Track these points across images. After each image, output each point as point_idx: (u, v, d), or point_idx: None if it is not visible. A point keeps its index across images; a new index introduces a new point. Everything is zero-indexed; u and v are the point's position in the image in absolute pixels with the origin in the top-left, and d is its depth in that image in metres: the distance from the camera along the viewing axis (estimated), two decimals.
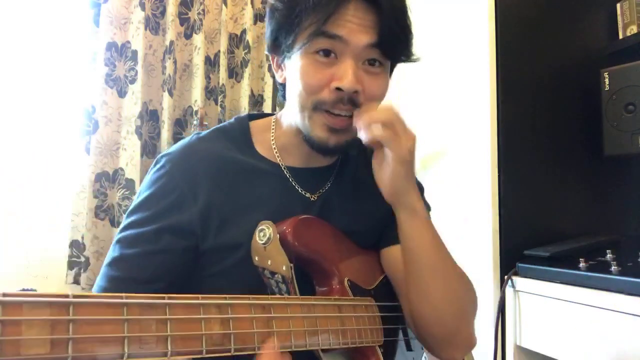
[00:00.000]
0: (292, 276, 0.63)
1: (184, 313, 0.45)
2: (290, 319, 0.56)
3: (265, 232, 0.64)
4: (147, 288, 0.64)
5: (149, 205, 0.69)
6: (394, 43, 0.68)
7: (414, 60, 0.74)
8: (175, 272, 0.67)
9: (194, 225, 0.68)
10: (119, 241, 0.68)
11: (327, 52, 0.66)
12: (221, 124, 0.80)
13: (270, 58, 0.77)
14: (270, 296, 0.57)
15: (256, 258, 0.66)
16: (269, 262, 0.65)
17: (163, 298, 0.44)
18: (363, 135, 0.65)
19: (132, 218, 0.69)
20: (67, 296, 0.39)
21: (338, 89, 0.65)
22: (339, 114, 0.67)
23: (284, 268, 0.63)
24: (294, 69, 0.68)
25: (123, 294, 0.42)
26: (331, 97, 0.66)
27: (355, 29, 0.64)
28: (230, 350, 0.48)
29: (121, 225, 0.70)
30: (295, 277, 0.63)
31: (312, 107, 0.67)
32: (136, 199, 0.71)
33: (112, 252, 0.68)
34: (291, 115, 0.73)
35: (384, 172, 0.67)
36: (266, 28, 0.74)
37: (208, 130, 0.79)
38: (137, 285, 0.64)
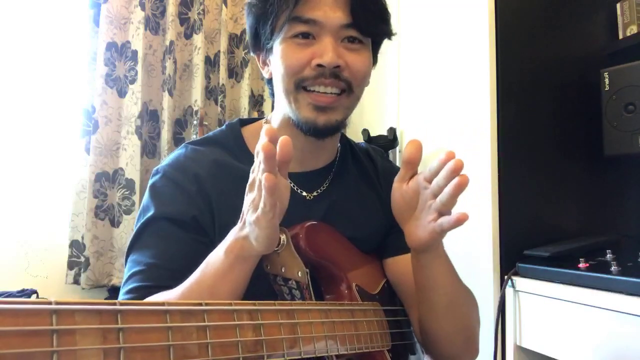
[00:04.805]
0: (307, 282, 0.62)
1: (220, 319, 0.45)
2: (312, 324, 0.56)
3: (279, 238, 0.64)
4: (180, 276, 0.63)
5: (157, 205, 0.68)
6: (368, 20, 0.67)
7: (392, 35, 0.74)
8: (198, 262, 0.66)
9: (205, 221, 0.68)
10: (131, 247, 0.68)
11: (305, 35, 0.66)
12: (211, 133, 0.79)
13: (256, 57, 0.77)
14: (292, 302, 0.57)
15: (268, 266, 0.66)
16: (283, 269, 0.64)
17: (200, 304, 0.44)
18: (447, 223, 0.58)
19: (141, 221, 0.69)
20: (114, 304, 0.38)
21: (319, 65, 0.65)
22: (324, 92, 0.67)
23: (299, 274, 0.63)
24: (276, 57, 0.68)
25: (164, 301, 0.42)
26: (312, 73, 0.66)
27: (328, 10, 0.65)
28: (264, 357, 0.48)
29: (132, 235, 0.70)
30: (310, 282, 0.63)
31: (295, 87, 0.67)
32: (141, 210, 0.71)
33: (128, 267, 0.67)
34: (280, 106, 0.73)
35: (425, 231, 0.61)
36: (246, 26, 0.74)
37: (198, 139, 0.78)
38: (168, 273, 0.63)
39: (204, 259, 0.63)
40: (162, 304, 0.41)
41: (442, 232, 0.58)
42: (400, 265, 0.78)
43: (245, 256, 0.58)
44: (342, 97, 0.68)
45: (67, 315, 0.35)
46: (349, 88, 0.68)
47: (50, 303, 0.34)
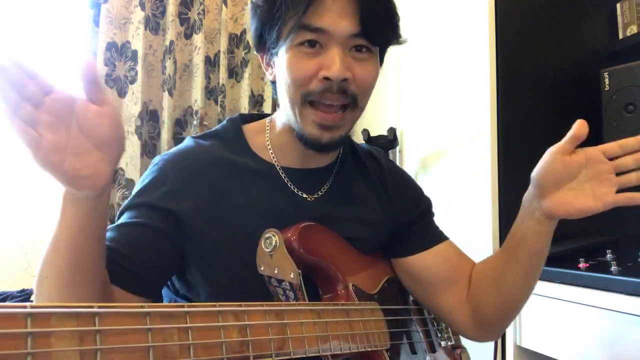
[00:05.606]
0: (300, 283, 0.63)
1: (203, 321, 0.45)
2: (303, 324, 0.56)
3: (271, 240, 0.64)
4: (127, 262, 0.63)
5: (138, 194, 0.69)
6: (378, 29, 0.66)
7: (402, 43, 0.73)
8: (152, 253, 0.65)
9: (179, 216, 0.67)
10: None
11: (312, 43, 0.64)
12: (213, 128, 0.80)
13: (259, 58, 0.75)
14: (282, 302, 0.57)
15: (262, 267, 0.66)
16: (276, 271, 0.64)
17: (182, 307, 0.44)
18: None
19: (121, 208, 0.70)
20: (92, 306, 0.38)
21: (326, 78, 0.64)
22: (330, 104, 0.66)
23: (292, 275, 0.63)
24: (281, 64, 0.67)
25: (144, 304, 0.42)
26: (319, 86, 0.64)
27: (337, 19, 0.63)
28: (249, 357, 0.48)
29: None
30: (303, 283, 0.63)
31: (301, 101, 0.66)
32: (130, 195, 0.72)
33: None
34: (283, 113, 0.72)
35: (593, 201, 0.67)
36: (251, 26, 0.72)
37: (202, 133, 0.78)
38: (118, 258, 0.63)
39: (165, 250, 0.66)
40: (142, 306, 0.41)
41: (615, 204, 0.65)
42: (426, 259, 0.80)
43: (70, 198, 0.54)
44: (346, 114, 0.68)
45: (43, 318, 0.35)
46: (354, 102, 0.68)
47: (25, 307, 0.34)
